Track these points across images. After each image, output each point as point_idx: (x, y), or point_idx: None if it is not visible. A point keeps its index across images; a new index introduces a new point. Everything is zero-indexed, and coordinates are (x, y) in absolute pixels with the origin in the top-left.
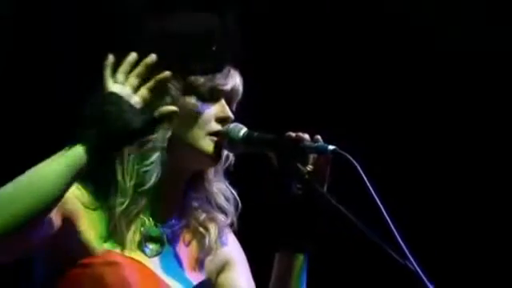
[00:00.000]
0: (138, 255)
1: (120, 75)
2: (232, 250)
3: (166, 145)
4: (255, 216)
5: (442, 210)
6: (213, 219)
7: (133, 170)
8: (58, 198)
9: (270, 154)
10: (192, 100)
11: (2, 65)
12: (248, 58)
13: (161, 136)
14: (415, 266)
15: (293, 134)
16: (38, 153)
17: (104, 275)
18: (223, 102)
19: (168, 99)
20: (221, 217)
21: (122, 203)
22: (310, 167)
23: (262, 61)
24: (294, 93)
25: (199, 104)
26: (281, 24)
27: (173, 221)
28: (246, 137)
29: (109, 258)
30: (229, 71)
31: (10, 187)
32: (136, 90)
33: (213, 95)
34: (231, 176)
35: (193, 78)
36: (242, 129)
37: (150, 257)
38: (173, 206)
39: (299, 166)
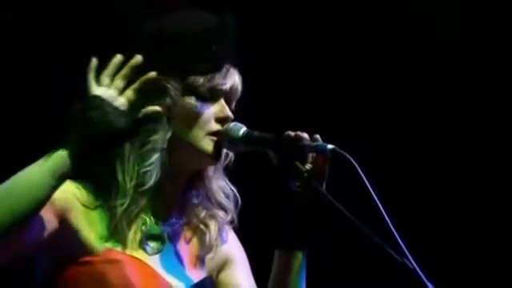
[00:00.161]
0: (139, 253)
1: (105, 78)
2: (232, 247)
3: (165, 145)
4: (255, 214)
5: (441, 208)
6: (213, 216)
7: (133, 170)
8: (41, 201)
9: (269, 153)
10: (191, 100)
11: (2, 65)
12: (248, 58)
13: (161, 137)
14: (414, 264)
15: (292, 133)
16: (38, 153)
17: (105, 273)
18: (222, 101)
19: (168, 100)
20: (221, 214)
21: (123, 203)
22: (308, 166)
23: (262, 61)
24: (294, 93)
25: (198, 104)
26: (281, 24)
27: (173, 219)
28: (246, 136)
29: (110, 256)
30: (227, 70)
31: None
32: (122, 91)
33: (212, 95)
34: (231, 175)
35: (192, 78)
36: (241, 128)
37: (150, 255)
38: (173, 204)
39: (298, 164)
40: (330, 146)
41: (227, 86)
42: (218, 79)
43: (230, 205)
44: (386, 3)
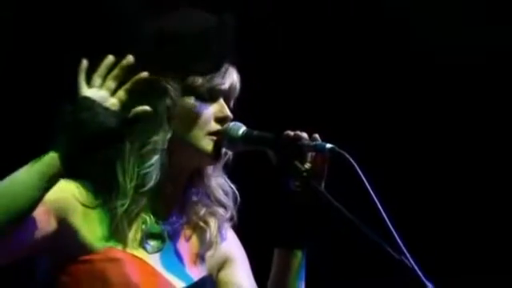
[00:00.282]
0: (140, 252)
1: (96, 79)
2: (232, 246)
3: (166, 146)
4: (254, 213)
5: (439, 207)
6: (213, 213)
7: (133, 171)
8: (32, 203)
9: (268, 153)
10: (191, 100)
11: (2, 65)
12: (248, 58)
13: (161, 138)
14: (412, 262)
15: (291, 133)
16: (38, 153)
17: (105, 271)
18: (222, 101)
19: (167, 100)
20: (220, 211)
21: (123, 204)
22: (308, 165)
23: (262, 61)
24: (293, 92)
25: (198, 104)
26: (281, 24)
27: (173, 218)
28: (245, 135)
29: (110, 255)
30: (226, 70)
31: None
32: (114, 92)
33: (211, 95)
34: (230, 174)
35: (191, 78)
36: (241, 127)
37: (150, 253)
38: (173, 202)
39: (297, 164)
40: (328, 146)
41: (226, 86)
42: (216, 79)
43: (229, 202)
44: (386, 3)
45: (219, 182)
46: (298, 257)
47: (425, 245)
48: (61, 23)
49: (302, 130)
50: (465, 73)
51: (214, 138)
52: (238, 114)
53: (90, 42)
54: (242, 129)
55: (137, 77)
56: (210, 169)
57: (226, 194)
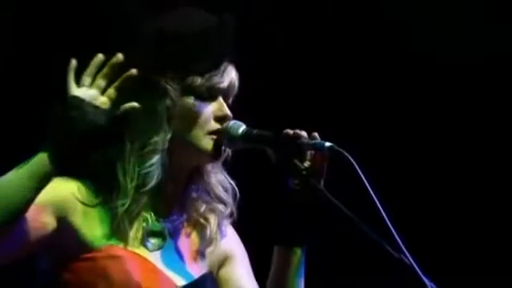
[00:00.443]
0: (141, 250)
1: (86, 78)
2: (232, 243)
3: (166, 146)
4: (254, 211)
5: (438, 205)
6: (213, 210)
7: (134, 171)
8: (24, 203)
9: (268, 151)
10: (190, 100)
11: (2, 65)
12: (248, 57)
13: (161, 138)
14: (411, 260)
15: (290, 132)
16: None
17: (106, 268)
18: (221, 99)
19: (167, 101)
20: (220, 207)
21: (124, 204)
22: (307, 164)
23: (262, 60)
24: (293, 92)
25: (197, 104)
26: (281, 24)
27: (174, 215)
28: (245, 134)
29: (111, 252)
30: (225, 68)
31: None
32: (104, 90)
33: (210, 94)
34: (230, 172)
35: (190, 78)
36: (241, 126)
37: (151, 251)
38: (173, 200)
39: (297, 162)
40: (328, 144)
41: (225, 84)
42: (216, 78)
43: (228, 198)
44: (386, 3)
45: (219, 179)
46: (298, 254)
47: (424, 246)
48: (60, 23)
49: (301, 129)
50: (465, 73)
51: (214, 137)
52: (238, 113)
53: (88, 42)
54: (242, 127)
55: (127, 74)
56: (209, 166)
57: (226, 190)
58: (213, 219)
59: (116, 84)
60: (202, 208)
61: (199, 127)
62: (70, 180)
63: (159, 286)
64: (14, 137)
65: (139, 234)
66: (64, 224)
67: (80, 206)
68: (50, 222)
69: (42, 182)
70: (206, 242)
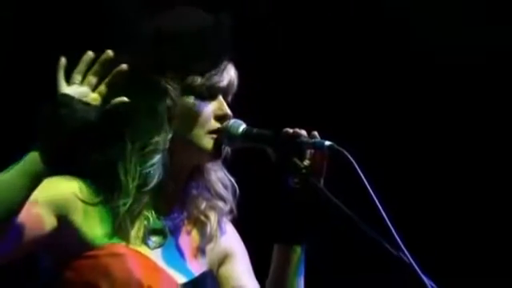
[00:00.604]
0: (142, 248)
1: (76, 75)
2: (232, 241)
3: (167, 146)
4: (254, 209)
5: (437, 203)
6: (213, 207)
7: (135, 171)
8: (17, 203)
9: (268, 150)
10: (191, 100)
11: (2, 65)
12: (248, 57)
13: (162, 138)
14: (410, 258)
15: (290, 130)
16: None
17: (108, 266)
18: (221, 98)
19: (168, 101)
20: (220, 204)
21: (126, 203)
22: (307, 162)
23: (262, 59)
24: (293, 91)
25: (197, 103)
26: (280, 24)
27: (175, 213)
28: (245, 133)
29: (113, 250)
30: (224, 67)
31: None
32: (95, 87)
33: (210, 93)
34: (230, 171)
35: (190, 78)
36: (241, 125)
37: (152, 249)
38: (174, 198)
39: (296, 161)
40: (327, 143)
41: (224, 83)
42: (215, 77)
43: (228, 195)
44: (386, 3)
45: (219, 176)
46: (298, 252)
47: (424, 245)
48: (59, 23)
49: (301, 128)
50: (465, 73)
51: (214, 136)
52: (238, 112)
53: (86, 42)
54: (242, 126)
55: (116, 69)
56: (209, 163)
57: (226, 187)
58: (213, 216)
59: (107, 80)
60: (203, 205)
61: (200, 126)
62: (71, 179)
63: (160, 284)
64: (12, 137)
65: (140, 233)
66: (64, 223)
67: (81, 205)
68: (49, 221)
69: (34, 180)
70: (206, 239)
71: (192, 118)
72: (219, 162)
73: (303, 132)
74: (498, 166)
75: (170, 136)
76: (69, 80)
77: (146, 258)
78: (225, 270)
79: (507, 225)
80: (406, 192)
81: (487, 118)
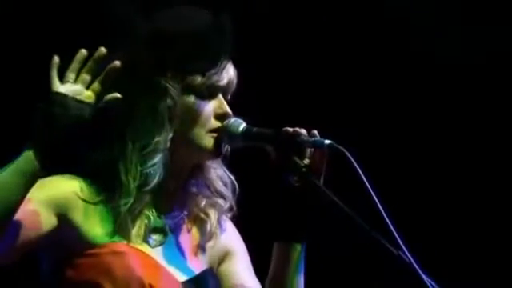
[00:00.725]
0: (143, 246)
1: (70, 74)
2: (232, 239)
3: (168, 146)
4: (254, 207)
5: (437, 203)
6: (213, 205)
7: (136, 171)
8: (13, 202)
9: (268, 148)
10: (191, 99)
11: (2, 63)
12: (247, 55)
13: (163, 138)
14: (409, 256)
15: (290, 129)
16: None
17: (109, 264)
18: (220, 97)
19: (168, 100)
20: (220, 201)
21: (127, 203)
22: (306, 161)
23: (263, 59)
24: (293, 90)
25: (198, 102)
26: (280, 23)
27: (175, 212)
28: (245, 132)
29: (114, 248)
30: (223, 65)
31: None
32: (89, 85)
33: (210, 92)
34: (231, 170)
35: (191, 77)
36: (241, 124)
37: (153, 247)
38: (175, 197)
39: (296, 159)
40: (327, 142)
41: (224, 82)
42: (215, 76)
43: (228, 192)
44: (386, 3)
45: (218, 174)
46: (298, 250)
47: (424, 245)
48: (57, 24)
49: (301, 127)
50: (465, 73)
51: (215, 134)
52: (238, 112)
53: (88, 42)
54: (242, 125)
55: (109, 66)
56: (209, 161)
57: (225, 184)
58: (213, 214)
59: (100, 78)
60: (203, 203)
61: (200, 126)
62: (72, 178)
63: (161, 282)
64: (12, 137)
65: (141, 231)
66: (65, 221)
67: (81, 204)
68: (49, 221)
69: (30, 179)
70: (206, 236)
71: (192, 117)
72: (219, 160)
73: (303, 131)
74: (498, 165)
75: (170, 135)
76: (62, 79)
77: (147, 257)
78: (225, 268)
79: (507, 225)
80: (405, 191)
81: (487, 117)
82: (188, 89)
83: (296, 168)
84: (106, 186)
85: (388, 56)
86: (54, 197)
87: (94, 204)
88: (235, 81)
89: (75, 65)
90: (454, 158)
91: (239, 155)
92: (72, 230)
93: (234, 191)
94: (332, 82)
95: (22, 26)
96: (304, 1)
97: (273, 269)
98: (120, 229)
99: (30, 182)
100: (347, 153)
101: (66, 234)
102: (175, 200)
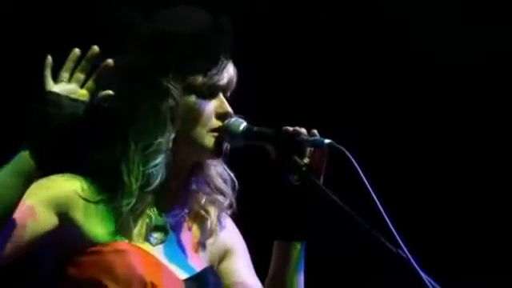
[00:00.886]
0: (144, 245)
1: (64, 73)
2: (232, 236)
3: (170, 146)
4: (255, 206)
5: (437, 203)
6: (213, 202)
7: (138, 171)
8: (8, 202)
9: (268, 148)
10: (192, 99)
11: (2, 63)
12: (248, 55)
13: (165, 139)
14: (408, 255)
15: (290, 129)
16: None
17: (111, 262)
18: (221, 96)
19: (170, 101)
20: (220, 198)
21: (129, 203)
22: (306, 160)
23: (263, 59)
24: (293, 90)
25: (199, 102)
26: (281, 23)
27: (176, 210)
28: (246, 131)
29: (116, 246)
30: (224, 65)
31: None
32: (83, 84)
33: (211, 92)
34: (231, 168)
35: (192, 77)
36: (241, 123)
37: (154, 245)
38: (176, 195)
39: (296, 158)
40: (327, 141)
41: (225, 81)
42: (215, 76)
43: (228, 189)
44: (386, 3)
45: (218, 171)
46: (298, 249)
47: (421, 238)
48: (56, 23)
49: (301, 126)
50: (465, 73)
51: (216, 134)
52: (239, 111)
53: (87, 42)
54: (243, 124)
55: (103, 64)
56: (209, 160)
57: (225, 181)
58: (213, 211)
59: (94, 76)
60: (203, 200)
61: (202, 125)
62: (72, 177)
63: (162, 280)
64: (12, 138)
65: (143, 230)
66: (66, 220)
67: (82, 203)
68: (49, 220)
69: (26, 179)
70: (206, 233)
71: (194, 117)
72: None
73: (303, 130)
74: (498, 165)
75: (173, 136)
76: (57, 78)
77: (149, 255)
78: (225, 266)
79: (507, 225)
80: (405, 191)
81: (487, 117)
82: (189, 89)
83: (296, 167)
84: (108, 186)
85: (388, 56)
86: (54, 196)
87: (95, 203)
88: (235, 79)
89: (69, 64)
90: (453, 157)
91: (240, 154)
92: (73, 228)
93: (233, 188)
94: (332, 81)
95: (19, 26)
96: (304, 1)
97: (273, 267)
98: (122, 228)
99: (26, 181)
100: (347, 152)
101: (67, 233)
102: (176, 198)
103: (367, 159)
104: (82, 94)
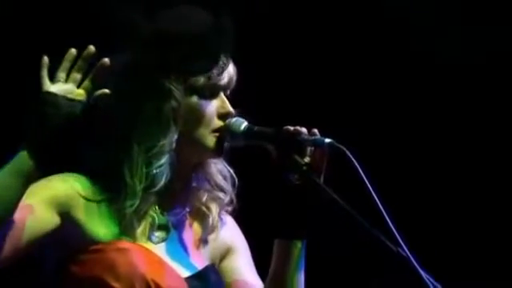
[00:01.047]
0: (146, 243)
1: (60, 73)
2: (234, 235)
3: (174, 146)
4: (256, 205)
5: (437, 203)
6: (214, 198)
7: (142, 173)
8: (8, 203)
9: (269, 147)
10: (194, 99)
11: (2, 63)
12: (248, 55)
13: (168, 140)
14: (408, 254)
15: (291, 128)
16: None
17: (113, 260)
18: (222, 95)
19: (173, 102)
20: (220, 195)
21: (133, 205)
22: (307, 159)
23: (263, 58)
24: (294, 89)
25: (201, 102)
26: (281, 23)
27: (177, 208)
28: (247, 131)
29: (118, 245)
30: (224, 64)
31: None
32: (80, 83)
33: (212, 92)
34: (231, 168)
35: (193, 78)
36: (242, 123)
37: (156, 243)
38: (177, 194)
39: (297, 158)
40: (327, 140)
41: (225, 81)
42: (216, 76)
43: (228, 186)
44: (386, 3)
45: (218, 168)
46: (298, 247)
47: (421, 237)
48: (53, 24)
49: (301, 126)
50: (465, 73)
51: (217, 134)
52: (239, 111)
53: (88, 42)
54: (244, 124)
55: (100, 63)
56: (210, 159)
57: (225, 178)
58: (214, 208)
59: (91, 76)
60: (204, 197)
61: (205, 126)
62: (73, 176)
63: (164, 278)
64: (12, 138)
65: (146, 230)
66: (67, 219)
67: (82, 202)
68: (51, 220)
69: (25, 179)
70: (207, 230)
71: (197, 117)
72: None
73: (303, 129)
74: (498, 165)
75: (175, 137)
76: (53, 79)
77: (151, 253)
78: (226, 264)
79: (507, 225)
80: (405, 190)
81: (487, 117)
82: (191, 89)
83: (296, 166)
84: (110, 187)
85: (388, 56)
86: (55, 195)
87: (96, 202)
88: (235, 78)
89: (65, 64)
90: (454, 157)
91: (240, 154)
92: (75, 227)
93: (233, 184)
94: (332, 81)
95: (15, 26)
96: (304, 1)
97: (273, 266)
98: (125, 229)
99: (25, 182)
100: (347, 151)
101: (68, 233)
102: (178, 197)
103: (367, 158)
104: (79, 93)
